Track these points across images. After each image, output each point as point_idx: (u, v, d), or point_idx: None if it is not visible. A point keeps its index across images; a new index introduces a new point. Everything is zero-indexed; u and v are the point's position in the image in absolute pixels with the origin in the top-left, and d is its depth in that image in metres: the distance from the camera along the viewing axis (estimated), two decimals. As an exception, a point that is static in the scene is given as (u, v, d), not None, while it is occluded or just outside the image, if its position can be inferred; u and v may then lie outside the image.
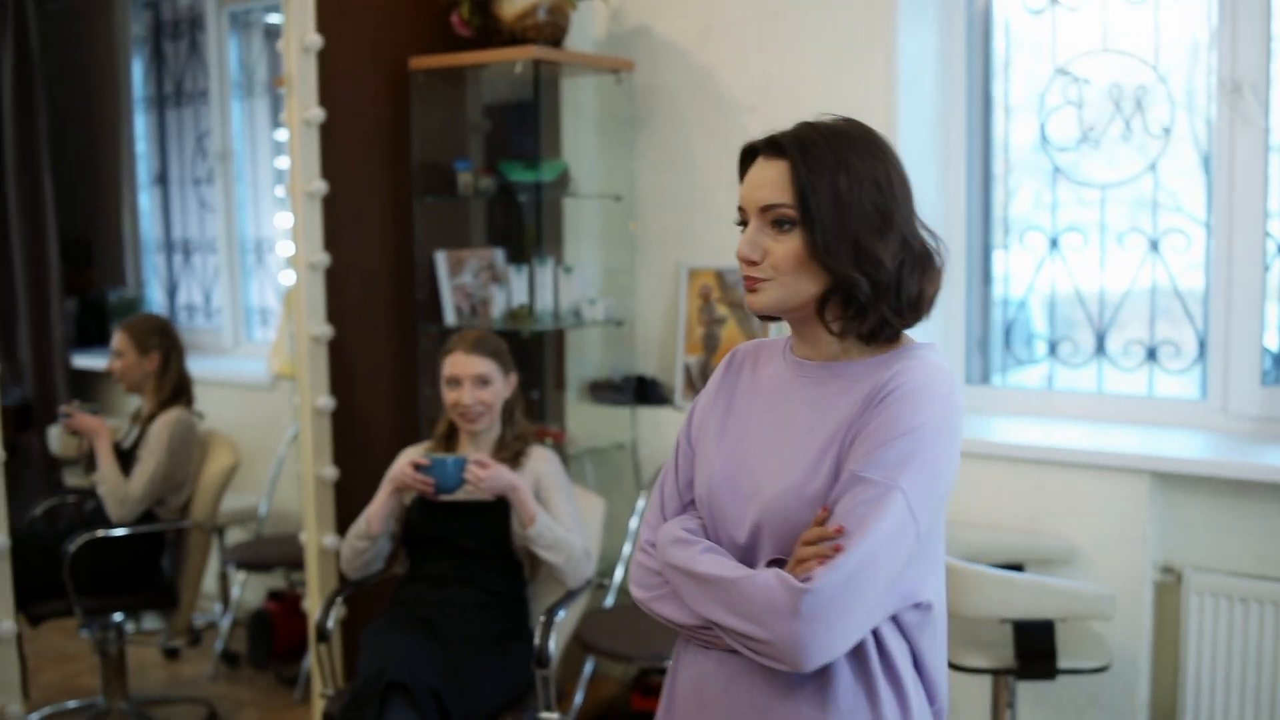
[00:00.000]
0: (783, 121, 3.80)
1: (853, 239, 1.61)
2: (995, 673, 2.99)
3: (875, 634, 1.62)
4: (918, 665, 1.67)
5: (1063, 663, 2.93)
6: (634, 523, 3.99)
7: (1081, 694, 3.33)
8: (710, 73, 3.98)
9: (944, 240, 1.72)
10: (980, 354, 3.88)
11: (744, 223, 1.69)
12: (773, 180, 1.65)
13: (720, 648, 1.66)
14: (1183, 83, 3.50)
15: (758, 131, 3.87)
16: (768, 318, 1.71)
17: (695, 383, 4.04)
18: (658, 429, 4.08)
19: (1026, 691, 3.36)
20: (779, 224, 1.64)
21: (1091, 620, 3.08)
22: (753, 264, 1.65)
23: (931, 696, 1.71)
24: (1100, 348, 3.67)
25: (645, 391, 4.13)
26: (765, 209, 1.65)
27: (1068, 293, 3.73)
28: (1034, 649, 2.91)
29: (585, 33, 4.17)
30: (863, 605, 1.53)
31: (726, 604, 1.58)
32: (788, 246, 1.63)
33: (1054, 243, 3.72)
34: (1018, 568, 3.27)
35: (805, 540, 1.56)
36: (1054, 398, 3.73)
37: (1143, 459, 3.22)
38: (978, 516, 3.46)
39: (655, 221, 4.15)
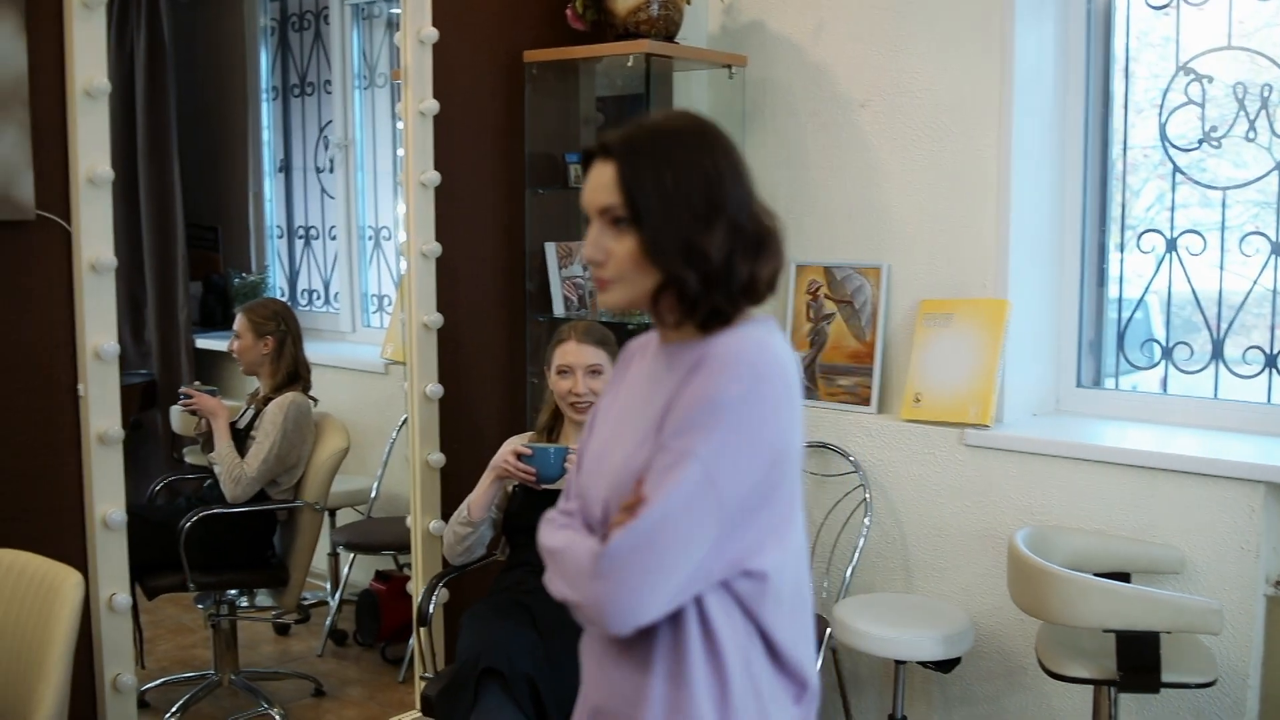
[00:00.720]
0: (895, 116, 3.78)
1: (681, 235, 1.63)
2: (1097, 683, 2.93)
3: (700, 602, 1.63)
4: (769, 643, 1.68)
5: (1167, 676, 2.86)
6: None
7: (1186, 709, 3.26)
8: (823, 68, 3.95)
9: (780, 219, 1.76)
10: (1093, 356, 3.80)
11: (587, 223, 1.74)
12: (605, 182, 1.67)
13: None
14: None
15: (870, 127, 3.86)
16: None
17: (802, 378, 4.02)
18: (762, 424, 4.07)
19: (1129, 704, 3.29)
20: (616, 224, 1.67)
21: (1199, 634, 3.01)
22: (598, 264, 1.69)
23: (797, 679, 1.71)
24: (1218, 353, 3.57)
25: (751, 386, 4.12)
26: (601, 211, 1.68)
27: (1185, 296, 3.64)
28: (1137, 661, 2.84)
29: (699, 27, 4.17)
30: (660, 568, 1.55)
31: (559, 572, 1.66)
32: (625, 246, 1.66)
33: (1172, 244, 3.63)
34: (1124, 577, 3.20)
35: (621, 509, 1.61)
36: (1168, 403, 3.64)
37: (1258, 469, 3.13)
38: (1084, 522, 3.40)
39: (765, 216, 4.13)
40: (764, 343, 1.65)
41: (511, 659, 2.88)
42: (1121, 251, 3.77)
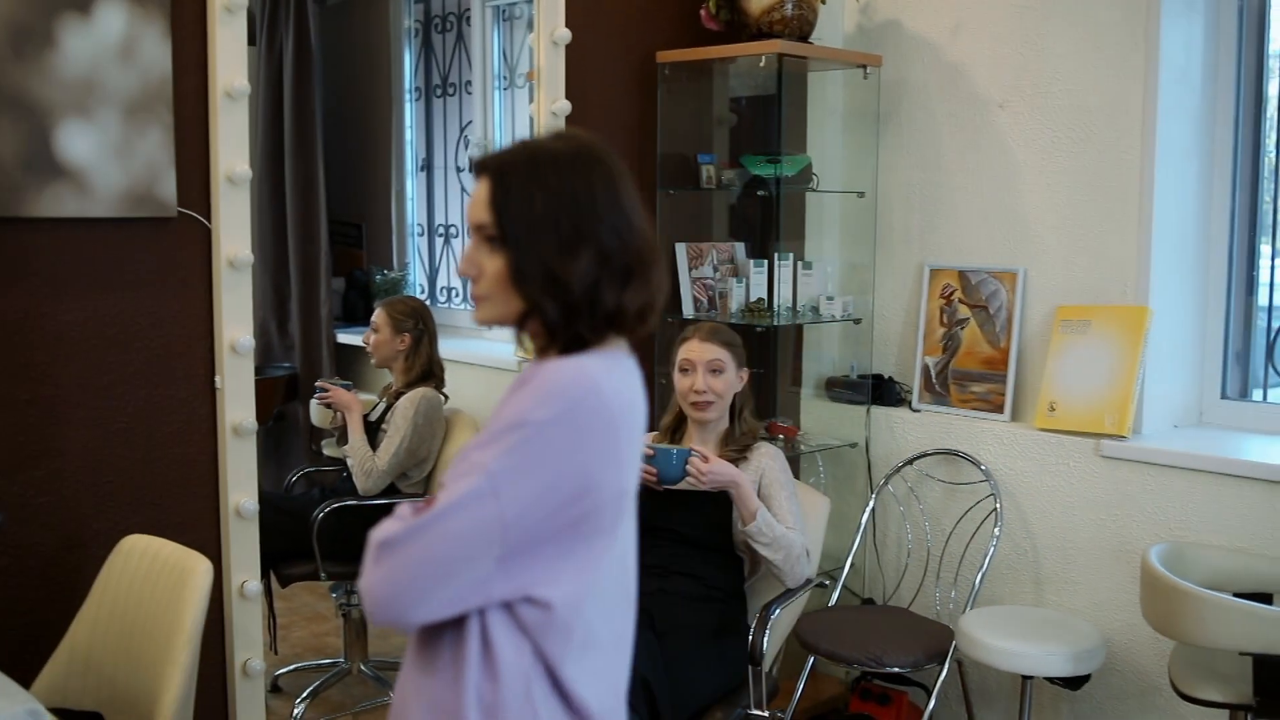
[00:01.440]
0: (1035, 117, 3.68)
1: (543, 262, 1.60)
2: (1232, 708, 2.82)
3: (483, 617, 1.61)
4: (553, 676, 1.64)
5: (1307, 702, 2.74)
6: (864, 519, 3.94)
7: (1333, 736, 3.11)
8: (960, 68, 3.87)
9: (658, 250, 1.71)
10: (1239, 367, 3.65)
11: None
12: (480, 199, 1.65)
13: None
14: None
15: (1008, 128, 3.77)
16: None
17: (934, 384, 3.95)
18: (892, 429, 4.01)
19: (1271, 729, 3.15)
20: (489, 241, 1.64)
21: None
22: (472, 280, 1.68)
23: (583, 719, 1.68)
24: (1375, 366, 3.41)
25: (882, 391, 4.07)
26: (476, 227, 1.66)
27: (1341, 305, 3.48)
28: (1276, 686, 2.72)
29: (834, 27, 4.12)
30: (431, 571, 1.54)
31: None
32: (495, 265, 1.64)
33: (1327, 251, 3.47)
34: (1265, 598, 3.07)
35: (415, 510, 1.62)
36: (1319, 417, 3.49)
37: None
38: (1224, 539, 3.27)
39: (899, 219, 4.08)
40: (592, 374, 1.60)
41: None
42: (1274, 258, 3.62)
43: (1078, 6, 3.60)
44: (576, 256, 1.61)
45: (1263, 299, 3.62)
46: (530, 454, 1.55)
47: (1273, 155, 3.58)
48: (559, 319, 1.62)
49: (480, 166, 1.68)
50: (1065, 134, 3.66)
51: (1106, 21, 3.54)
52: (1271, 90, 3.56)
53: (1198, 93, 3.56)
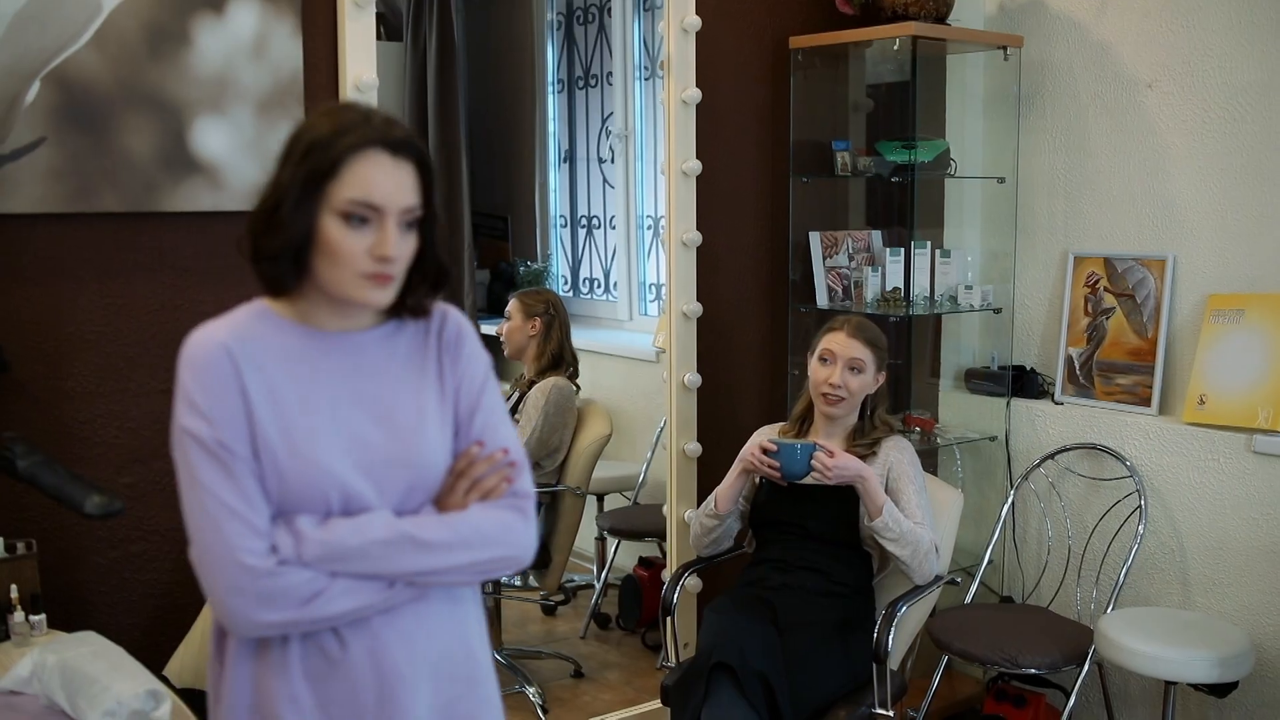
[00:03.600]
0: (1185, 97, 3.52)
1: (437, 241, 1.78)
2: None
3: None
4: None
5: None
6: (1003, 514, 3.84)
7: None
8: (1107, 47, 3.72)
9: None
10: None
11: (359, 218, 1.68)
12: (409, 183, 1.70)
13: (382, 609, 1.73)
14: None
15: (1157, 109, 3.62)
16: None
17: (1078, 375, 3.82)
18: (1033, 422, 3.89)
19: None
20: (409, 225, 1.71)
21: None
22: (394, 262, 1.70)
23: None
24: None
25: (1023, 383, 3.95)
26: (405, 210, 1.70)
27: None
28: None
29: (974, 7, 4.01)
30: None
31: (465, 545, 1.73)
32: (411, 245, 1.73)
33: None
34: None
35: (468, 473, 1.78)
36: None
37: None
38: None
39: (1042, 205, 3.95)
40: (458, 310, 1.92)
41: (745, 654, 2.85)
42: None
43: (1231, -20, 3.43)
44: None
45: None
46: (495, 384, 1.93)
47: None
48: (437, 290, 1.82)
49: (405, 147, 1.72)
50: (1218, 114, 3.49)
51: (1262, -5, 3.37)
52: None
53: (1362, 68, 3.36)
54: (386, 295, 1.73)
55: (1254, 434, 3.34)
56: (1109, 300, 3.77)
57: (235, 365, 1.70)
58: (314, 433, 1.72)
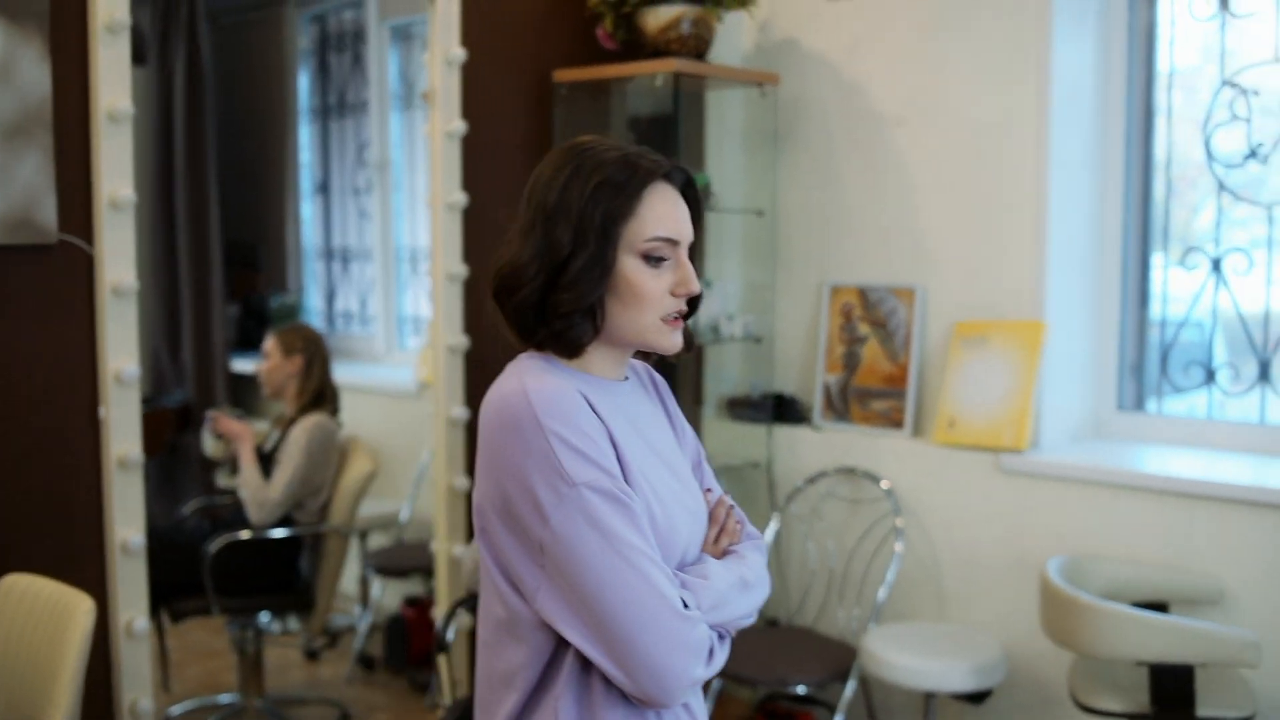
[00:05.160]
0: (932, 135, 3.70)
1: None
2: (1130, 717, 2.83)
3: None
4: None
5: (1202, 710, 2.76)
6: (767, 539, 3.92)
7: (1231, 745, 3.14)
8: (858, 86, 3.89)
9: None
10: (1135, 379, 3.69)
11: (660, 257, 1.62)
12: (687, 214, 1.67)
13: None
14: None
15: (906, 146, 3.78)
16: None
17: (835, 401, 3.95)
18: (794, 448, 4.00)
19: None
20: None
21: (1235, 667, 2.90)
22: (690, 297, 1.67)
23: None
24: (1264, 375, 3.46)
25: (783, 410, 4.06)
26: (690, 242, 1.67)
27: (1231, 316, 3.53)
28: (1171, 694, 2.74)
29: (733, 45, 4.12)
30: None
31: (760, 586, 1.72)
32: None
33: (1217, 263, 3.52)
34: (1160, 607, 3.10)
35: (715, 518, 1.74)
36: (1211, 427, 3.53)
37: (1304, 496, 3.02)
38: (1121, 550, 3.29)
39: (799, 237, 4.08)
40: None
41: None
42: (1165, 271, 3.67)
43: (971, 25, 3.63)
44: None
45: (1155, 312, 3.67)
46: None
47: (1164, 168, 3.63)
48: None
49: (679, 175, 1.66)
50: (962, 152, 3.69)
51: (1000, 40, 3.57)
52: (1160, 103, 3.61)
53: (1089, 109, 3.60)
54: (679, 338, 1.66)
55: (999, 453, 3.52)
56: (863, 329, 3.92)
57: (595, 409, 1.59)
58: (656, 481, 1.63)
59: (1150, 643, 2.70)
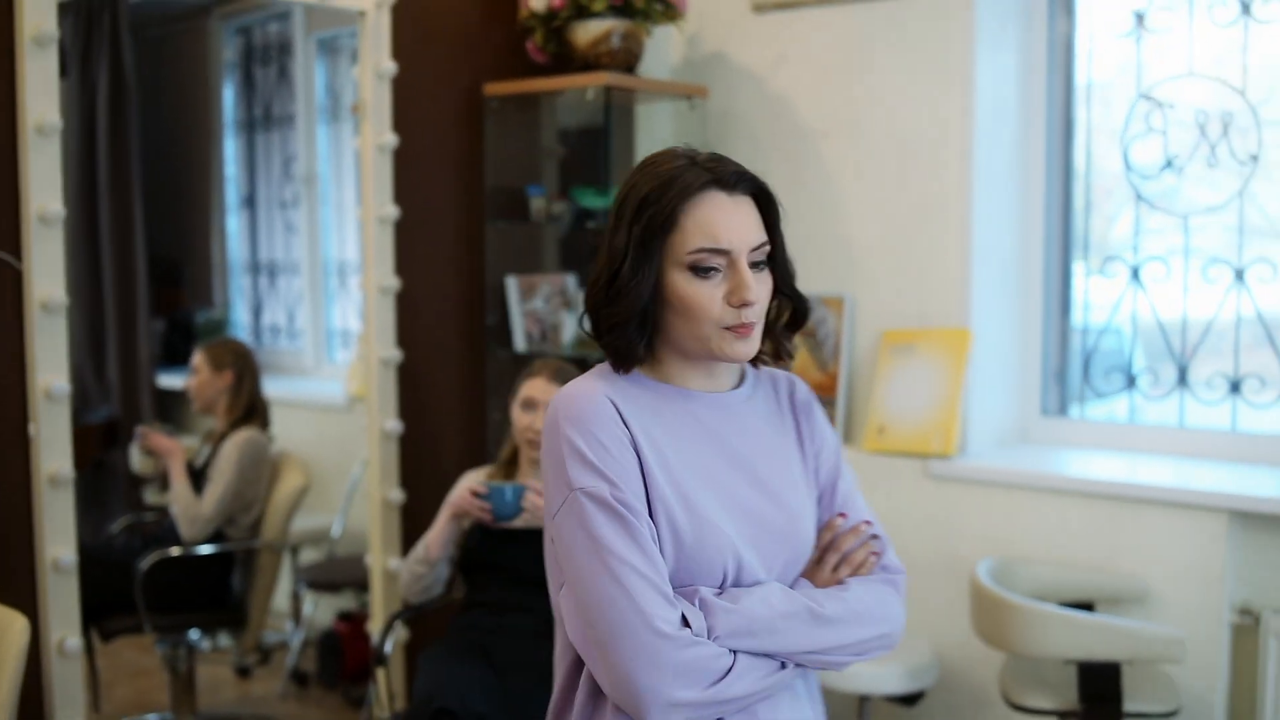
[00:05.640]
0: (858, 146, 3.75)
1: (792, 274, 1.70)
2: (1059, 715, 2.90)
3: None
4: None
5: (1129, 706, 2.83)
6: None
7: (1156, 740, 3.22)
8: (785, 99, 3.94)
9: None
10: (1058, 385, 3.78)
11: (707, 268, 1.63)
12: (752, 220, 1.65)
13: (779, 688, 1.67)
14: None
15: (832, 157, 3.83)
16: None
17: (766, 411, 3.99)
18: (727, 457, 4.04)
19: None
20: (759, 264, 1.66)
21: (1160, 663, 2.98)
22: (754, 304, 1.64)
23: None
24: (1182, 380, 3.56)
25: (715, 419, 4.09)
26: (755, 249, 1.65)
27: (1149, 323, 3.63)
28: (1099, 691, 2.81)
29: (661, 59, 4.16)
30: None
31: (856, 621, 1.66)
32: (767, 285, 1.67)
33: (1136, 271, 3.62)
34: (1087, 606, 3.18)
35: (837, 546, 1.71)
36: (1132, 431, 3.63)
37: (1222, 497, 3.11)
38: (1048, 552, 3.37)
39: (728, 248, 4.11)
40: None
41: (465, 699, 2.84)
42: (1086, 279, 3.76)
43: (896, 39, 3.69)
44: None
45: (1077, 319, 3.76)
46: None
47: (1083, 179, 3.73)
48: (797, 328, 1.75)
49: (743, 182, 1.66)
50: (888, 163, 3.75)
51: (924, 54, 3.64)
52: (1079, 116, 3.71)
53: (1012, 121, 3.69)
54: (750, 347, 1.63)
55: (928, 459, 3.58)
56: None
57: (623, 418, 1.60)
58: (703, 494, 1.61)
59: (1078, 641, 2.77)
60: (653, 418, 1.64)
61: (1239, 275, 3.45)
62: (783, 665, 1.61)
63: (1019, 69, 3.69)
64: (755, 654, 1.58)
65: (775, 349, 1.73)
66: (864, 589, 1.68)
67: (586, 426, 1.58)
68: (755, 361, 1.73)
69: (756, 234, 1.64)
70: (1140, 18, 3.56)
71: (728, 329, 1.62)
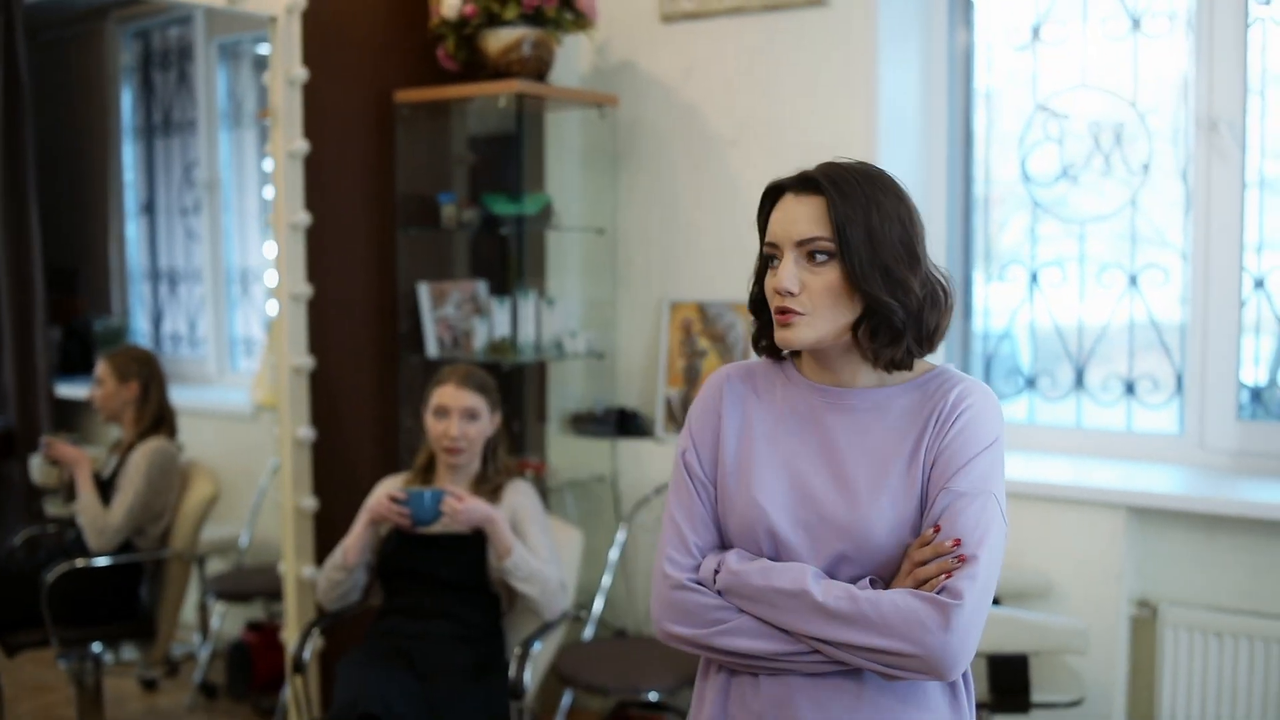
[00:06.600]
0: (765, 154, 3.82)
1: (884, 269, 1.70)
2: (970, 707, 2.98)
3: None
4: None
5: (1036, 696, 2.93)
6: (614, 555, 3.99)
7: (1059, 729, 3.33)
8: (693, 108, 4.00)
9: (952, 278, 1.83)
10: (960, 388, 3.88)
11: (769, 259, 1.78)
12: (808, 215, 1.73)
13: (800, 671, 1.70)
14: (1168, 119, 3.52)
15: (740, 165, 3.90)
16: (794, 353, 1.84)
17: (676, 415, 4.05)
18: (638, 461, 4.09)
19: (1004, 726, 3.35)
20: (814, 256, 1.71)
21: (1065, 654, 3.08)
22: (791, 296, 1.72)
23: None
24: (1079, 382, 3.68)
25: (626, 424, 4.14)
26: (802, 243, 1.72)
27: (1047, 327, 3.75)
28: (1008, 683, 2.90)
29: (571, 67, 4.20)
30: (987, 608, 1.66)
31: (863, 624, 1.64)
32: (825, 279, 1.72)
33: (1034, 277, 3.74)
34: (994, 601, 3.27)
35: (919, 559, 1.67)
36: (1032, 431, 3.75)
37: (1119, 494, 3.23)
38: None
39: (639, 255, 4.17)
40: (986, 388, 1.79)
41: (389, 704, 2.84)
42: (986, 285, 3.87)
43: (801, 49, 3.77)
44: (913, 270, 1.73)
45: (978, 324, 3.87)
46: (1002, 472, 1.74)
47: (982, 187, 3.84)
48: (903, 322, 1.70)
49: (806, 183, 1.74)
50: (793, 170, 3.82)
51: (828, 64, 3.73)
52: (979, 126, 3.82)
53: (914, 129, 3.79)
54: (789, 334, 1.72)
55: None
56: (703, 343, 4.03)
57: (721, 395, 1.83)
58: (766, 473, 1.73)
59: (987, 635, 2.85)
60: (758, 399, 1.82)
61: (1132, 280, 3.59)
62: (796, 643, 1.69)
63: (920, 79, 3.80)
64: (761, 621, 1.70)
65: (889, 360, 1.73)
66: (891, 597, 1.64)
67: (695, 403, 1.86)
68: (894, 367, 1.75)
69: (806, 228, 1.72)
70: (1036, 30, 3.69)
71: (777, 314, 1.74)
